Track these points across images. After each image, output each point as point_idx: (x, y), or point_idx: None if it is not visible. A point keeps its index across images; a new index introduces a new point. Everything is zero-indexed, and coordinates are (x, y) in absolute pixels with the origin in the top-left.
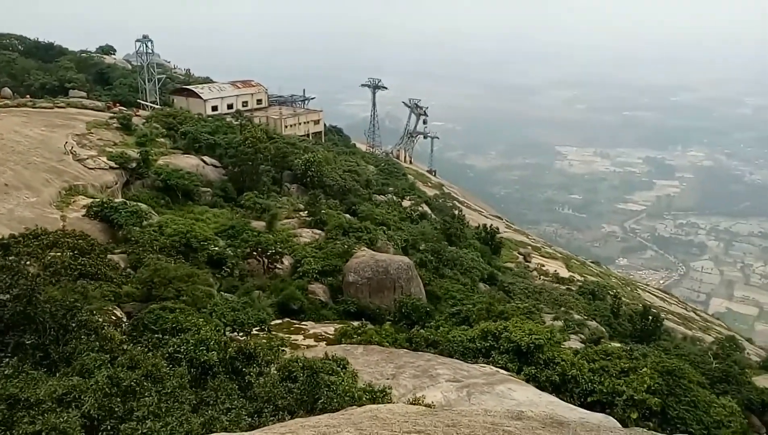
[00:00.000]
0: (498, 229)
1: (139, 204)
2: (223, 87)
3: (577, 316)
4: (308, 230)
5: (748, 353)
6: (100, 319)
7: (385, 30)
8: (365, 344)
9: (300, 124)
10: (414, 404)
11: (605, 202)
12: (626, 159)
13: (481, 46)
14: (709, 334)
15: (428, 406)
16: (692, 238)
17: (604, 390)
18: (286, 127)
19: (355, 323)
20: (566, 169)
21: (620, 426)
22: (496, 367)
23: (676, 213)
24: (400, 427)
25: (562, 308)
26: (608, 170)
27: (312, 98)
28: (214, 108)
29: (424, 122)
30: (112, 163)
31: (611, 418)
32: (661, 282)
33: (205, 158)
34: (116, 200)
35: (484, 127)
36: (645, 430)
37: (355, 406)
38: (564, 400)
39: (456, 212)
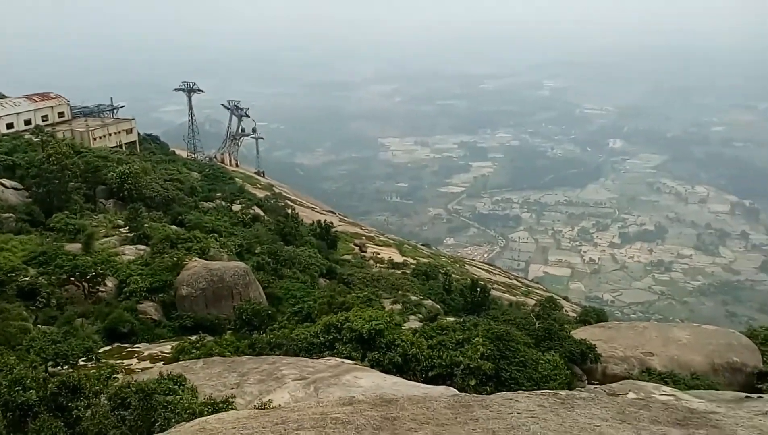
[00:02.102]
0: (332, 223)
1: None
2: (18, 102)
3: (413, 298)
4: (131, 247)
5: (565, 310)
6: None
7: (195, 33)
8: (205, 357)
9: (110, 135)
10: (261, 409)
11: (429, 187)
12: (444, 145)
13: (296, 44)
14: (531, 298)
15: (263, 408)
16: (508, 213)
17: (444, 363)
18: (94, 139)
19: (193, 337)
20: (391, 160)
21: (458, 392)
22: (341, 357)
23: (491, 191)
24: None
25: (400, 292)
26: (429, 157)
27: (121, 106)
28: (9, 125)
29: (254, 129)
30: None
31: (451, 388)
32: (485, 255)
33: (4, 181)
34: None
35: (309, 125)
36: (475, 395)
37: (184, 423)
38: (408, 379)
39: (289, 211)
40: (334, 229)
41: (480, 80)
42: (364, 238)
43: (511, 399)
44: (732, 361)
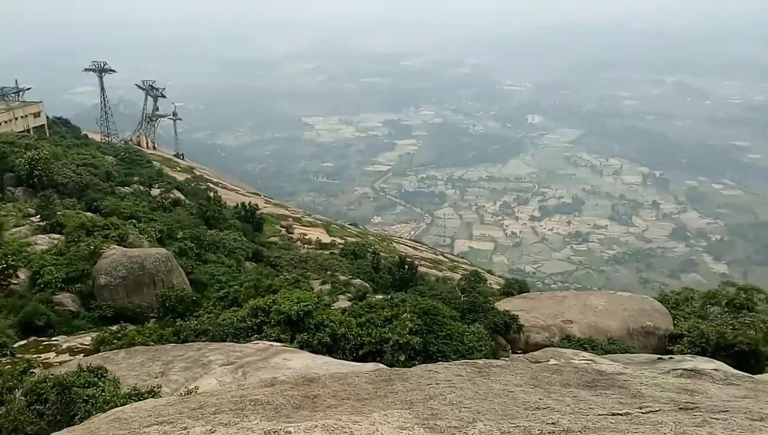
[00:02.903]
0: (257, 205)
1: None
2: None
3: (342, 277)
4: (44, 236)
5: (490, 283)
6: None
7: (108, 14)
8: (127, 347)
9: (16, 119)
10: (181, 396)
11: (355, 166)
12: (368, 124)
13: (213, 22)
14: (457, 272)
15: (187, 393)
16: (433, 190)
17: (373, 340)
18: None
19: (114, 327)
20: (316, 139)
21: (387, 368)
22: (270, 341)
23: (417, 168)
24: (140, 423)
25: (328, 272)
26: (354, 136)
27: (27, 89)
28: None
29: (174, 113)
30: None
31: (380, 365)
32: (412, 233)
33: None
34: None
35: (229, 104)
36: (396, 368)
37: (99, 414)
38: (338, 358)
39: (211, 194)
40: (259, 211)
41: (401, 58)
42: (290, 219)
43: (430, 371)
44: (645, 326)
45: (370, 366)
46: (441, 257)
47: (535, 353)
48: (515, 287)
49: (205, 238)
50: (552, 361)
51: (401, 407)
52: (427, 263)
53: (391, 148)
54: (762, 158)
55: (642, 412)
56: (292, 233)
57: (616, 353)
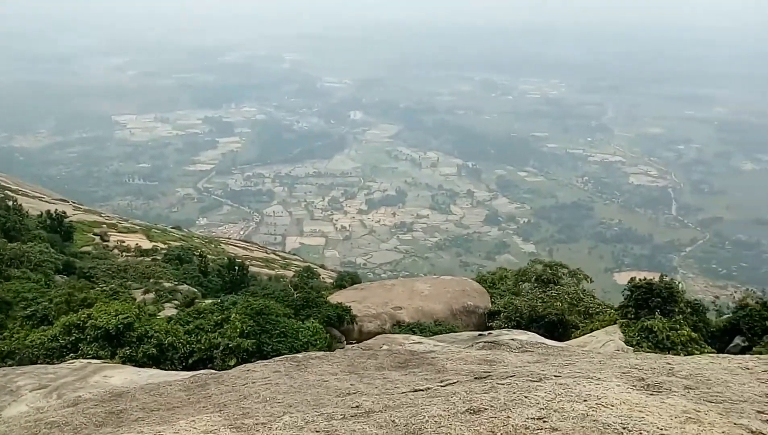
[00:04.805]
0: (65, 213)
1: None
2: None
3: (167, 284)
4: None
5: (323, 278)
6: None
7: None
8: None
9: None
10: None
11: (174, 166)
12: (187, 121)
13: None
14: (290, 270)
15: None
16: (261, 188)
17: (203, 347)
18: None
19: None
20: (129, 139)
21: (205, 373)
22: (87, 358)
23: (242, 166)
24: None
25: (151, 280)
26: (171, 134)
27: None
28: None
29: None
30: None
31: (213, 371)
32: (242, 233)
33: None
34: None
35: (26, 103)
36: (213, 372)
37: None
38: (166, 369)
39: (10, 203)
40: (68, 219)
41: (218, 53)
42: (105, 226)
43: (248, 370)
44: (467, 305)
45: (202, 373)
46: (273, 256)
47: (368, 341)
48: (347, 279)
49: (6, 252)
50: (385, 347)
51: (212, 411)
52: (259, 263)
53: (213, 146)
54: (558, 147)
55: (441, 386)
56: (108, 241)
57: (442, 334)
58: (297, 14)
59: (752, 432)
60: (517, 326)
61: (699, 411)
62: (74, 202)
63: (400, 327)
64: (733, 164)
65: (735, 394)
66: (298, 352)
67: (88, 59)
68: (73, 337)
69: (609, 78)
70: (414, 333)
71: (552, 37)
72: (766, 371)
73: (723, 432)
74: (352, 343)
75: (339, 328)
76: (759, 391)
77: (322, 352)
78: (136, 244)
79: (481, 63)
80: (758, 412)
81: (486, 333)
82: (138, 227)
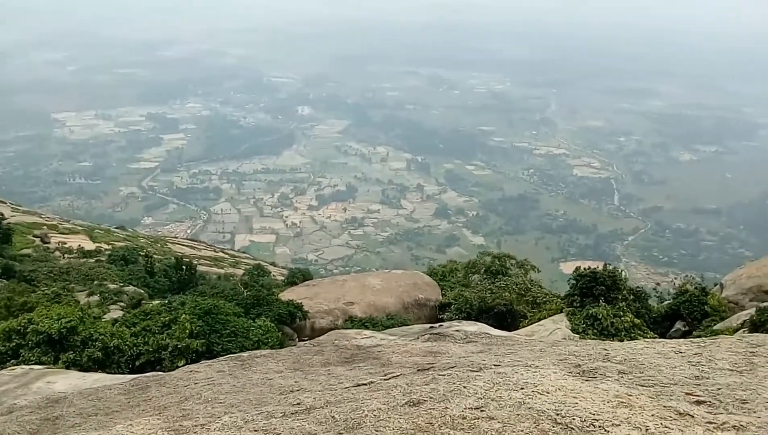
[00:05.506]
0: (3, 214)
1: None
2: None
3: (112, 286)
4: None
5: (274, 275)
6: None
7: None
8: None
9: None
10: None
11: (117, 164)
12: (129, 118)
13: None
14: (240, 268)
15: None
16: (207, 185)
17: (150, 349)
18: None
19: None
20: (68, 137)
21: (146, 375)
22: (29, 365)
23: (188, 164)
24: None
25: (96, 282)
26: (113, 132)
27: None
28: None
29: None
30: None
31: (156, 373)
32: (188, 231)
33: None
34: None
35: None
36: (155, 374)
37: None
38: (112, 373)
39: None
40: (6, 221)
41: (158, 47)
42: (45, 227)
43: (191, 371)
44: (418, 298)
45: (148, 375)
46: (221, 254)
47: (320, 338)
48: (299, 276)
49: None
50: (335, 343)
51: (152, 414)
52: (208, 262)
53: (157, 143)
54: (504, 141)
55: (384, 379)
56: (49, 243)
57: (394, 327)
58: (236, 8)
59: (680, 413)
60: (468, 317)
61: (631, 395)
62: (12, 204)
63: (352, 322)
64: (672, 155)
65: (666, 378)
66: (250, 350)
67: (23, 55)
68: (14, 343)
69: (551, 73)
70: (366, 328)
71: (493, 34)
72: (697, 354)
73: (652, 415)
74: (304, 340)
75: (291, 326)
76: (689, 374)
77: (267, 350)
78: (79, 245)
79: (426, 58)
80: (687, 394)
81: (437, 325)
82: (80, 228)
